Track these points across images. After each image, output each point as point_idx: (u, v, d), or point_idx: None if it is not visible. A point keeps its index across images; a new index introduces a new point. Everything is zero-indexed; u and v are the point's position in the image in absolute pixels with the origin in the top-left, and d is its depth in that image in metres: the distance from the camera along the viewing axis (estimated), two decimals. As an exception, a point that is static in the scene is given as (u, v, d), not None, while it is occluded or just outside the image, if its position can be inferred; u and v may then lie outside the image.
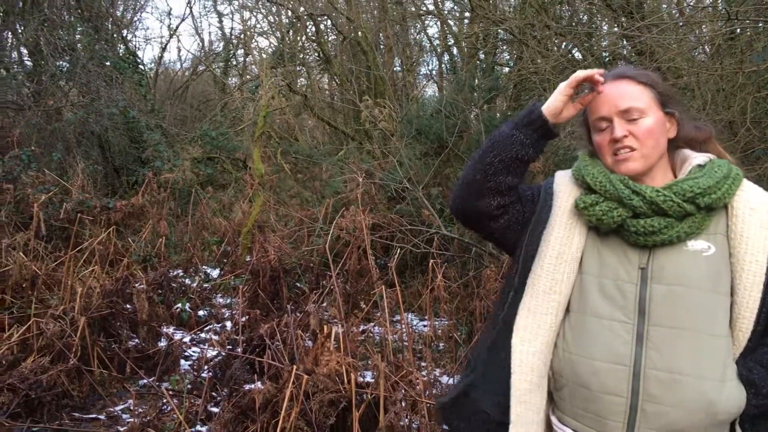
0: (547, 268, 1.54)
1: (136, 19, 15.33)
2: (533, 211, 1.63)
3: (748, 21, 4.76)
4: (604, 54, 7.19)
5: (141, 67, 13.05)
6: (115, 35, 12.64)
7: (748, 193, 1.48)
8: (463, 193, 1.61)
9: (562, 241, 1.55)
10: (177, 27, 20.66)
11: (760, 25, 4.89)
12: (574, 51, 7.71)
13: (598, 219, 1.49)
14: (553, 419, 1.58)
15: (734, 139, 4.45)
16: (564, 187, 1.61)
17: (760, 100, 4.55)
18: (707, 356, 1.40)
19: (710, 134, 1.60)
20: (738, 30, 5.13)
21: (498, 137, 1.58)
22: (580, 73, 1.53)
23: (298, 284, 6.38)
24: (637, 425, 1.42)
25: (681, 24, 5.25)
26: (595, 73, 1.52)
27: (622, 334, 1.44)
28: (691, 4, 6.76)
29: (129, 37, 14.39)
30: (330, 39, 12.89)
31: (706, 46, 5.68)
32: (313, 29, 12.02)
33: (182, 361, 5.04)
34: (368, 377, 4.07)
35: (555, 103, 1.56)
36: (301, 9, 11.85)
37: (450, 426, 1.69)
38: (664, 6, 7.13)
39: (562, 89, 1.55)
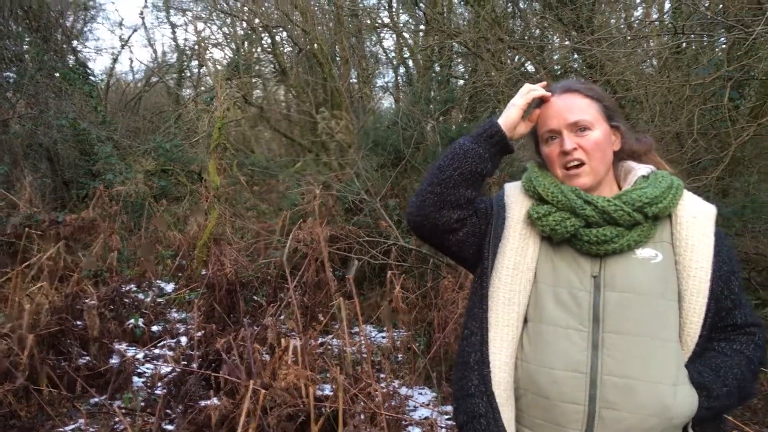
0: (504, 279, 1.55)
1: (86, 29, 15.01)
2: (488, 224, 1.64)
3: (693, 35, 4.92)
4: (555, 67, 7.34)
5: (92, 78, 12.77)
6: (64, 46, 12.36)
7: (690, 203, 1.53)
8: (421, 206, 1.60)
9: (517, 251, 1.56)
10: (129, 38, 20.27)
11: (705, 39, 5.06)
12: (527, 64, 7.86)
13: (551, 229, 1.51)
14: (517, 427, 1.57)
15: (681, 150, 4.59)
16: (515, 199, 1.63)
17: (706, 112, 4.71)
18: (660, 361, 1.43)
19: (650, 146, 1.66)
20: (684, 44, 5.30)
21: (458, 150, 1.58)
22: (534, 92, 1.56)
23: (255, 297, 6.30)
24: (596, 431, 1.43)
25: (629, 38, 5.40)
26: (544, 89, 1.56)
27: (578, 341, 1.46)
28: (639, 18, 6.96)
29: (79, 47, 14.07)
30: (286, 51, 12.86)
31: (653, 60, 5.85)
32: (269, 41, 11.98)
33: (135, 378, 4.91)
34: (327, 390, 4.04)
35: (512, 117, 1.58)
36: (256, 21, 11.80)
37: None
38: (614, 21, 7.32)
39: (517, 103, 1.58)
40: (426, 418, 4.08)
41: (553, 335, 1.48)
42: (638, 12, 7.92)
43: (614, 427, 1.41)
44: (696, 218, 1.51)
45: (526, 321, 1.56)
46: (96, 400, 4.53)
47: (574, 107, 1.53)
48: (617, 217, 1.46)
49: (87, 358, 4.92)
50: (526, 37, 7.66)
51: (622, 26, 6.80)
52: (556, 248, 1.55)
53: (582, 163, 1.52)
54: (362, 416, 3.46)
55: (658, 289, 1.45)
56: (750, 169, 5.61)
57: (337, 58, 11.90)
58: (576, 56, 6.69)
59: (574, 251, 1.52)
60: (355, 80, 12.15)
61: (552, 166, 1.57)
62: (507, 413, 1.53)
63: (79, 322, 5.11)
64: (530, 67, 7.82)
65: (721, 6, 4.45)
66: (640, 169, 1.58)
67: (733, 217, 4.90)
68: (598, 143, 1.52)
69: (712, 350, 1.52)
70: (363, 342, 4.66)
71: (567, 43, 6.82)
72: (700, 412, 1.46)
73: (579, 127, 1.52)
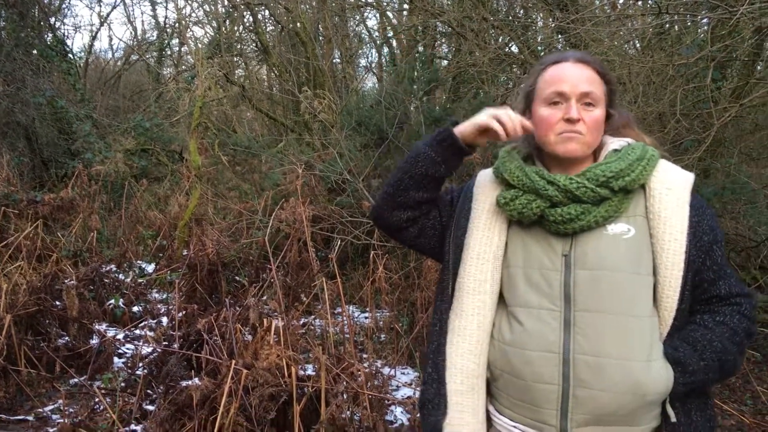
0: (469, 270, 1.57)
1: (64, 5, 14.70)
2: (451, 216, 1.66)
3: (677, 16, 4.92)
4: (539, 47, 7.32)
5: (70, 55, 12.57)
6: (42, 22, 12.11)
7: (664, 173, 1.51)
8: (377, 206, 1.68)
9: (482, 241, 1.57)
10: (108, 15, 19.94)
11: (689, 19, 5.06)
12: (510, 44, 7.83)
13: (519, 212, 1.51)
14: (491, 409, 1.60)
15: (664, 130, 4.60)
16: (483, 188, 1.64)
17: (689, 93, 4.72)
18: (633, 337, 1.42)
19: (628, 119, 1.64)
20: (668, 24, 5.30)
21: (412, 154, 1.62)
22: (495, 124, 1.52)
23: (237, 278, 6.27)
24: (570, 411, 1.43)
25: (613, 18, 5.38)
26: (506, 125, 1.51)
27: (550, 321, 1.46)
28: (623, -1, 6.93)
29: (57, 24, 13.80)
30: (268, 29, 12.69)
31: (637, 40, 5.84)
32: (251, 19, 11.80)
33: (115, 359, 4.88)
34: (309, 370, 4.03)
35: (466, 130, 1.58)
36: (238, -2, 11.61)
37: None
38: (597, 0, 7.30)
39: (477, 123, 1.55)
40: (408, 397, 4.09)
41: (526, 316, 1.49)
42: (622, -8, 7.89)
43: (588, 405, 1.42)
44: (670, 189, 1.48)
45: (505, 306, 1.57)
46: (75, 380, 4.50)
47: (589, 79, 1.51)
48: (580, 194, 1.45)
49: (66, 338, 4.87)
50: (510, 17, 7.62)
51: (606, 6, 6.77)
52: (527, 230, 1.55)
53: (580, 134, 1.50)
54: (345, 396, 3.46)
55: (631, 265, 1.44)
56: (731, 150, 5.65)
57: (320, 38, 11.77)
58: (560, 36, 6.67)
59: (545, 232, 1.52)
60: (338, 60, 12.04)
61: (546, 128, 1.52)
62: (471, 399, 1.56)
63: (58, 303, 5.06)
64: (514, 48, 7.79)
65: (705, -14, 4.44)
66: (613, 143, 1.56)
67: (713, 198, 4.94)
68: (598, 122, 1.51)
69: (693, 323, 1.51)
70: (346, 322, 4.66)
71: (551, 22, 6.79)
72: (676, 388, 1.44)
73: (587, 101, 1.50)
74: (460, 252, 1.60)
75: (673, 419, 1.46)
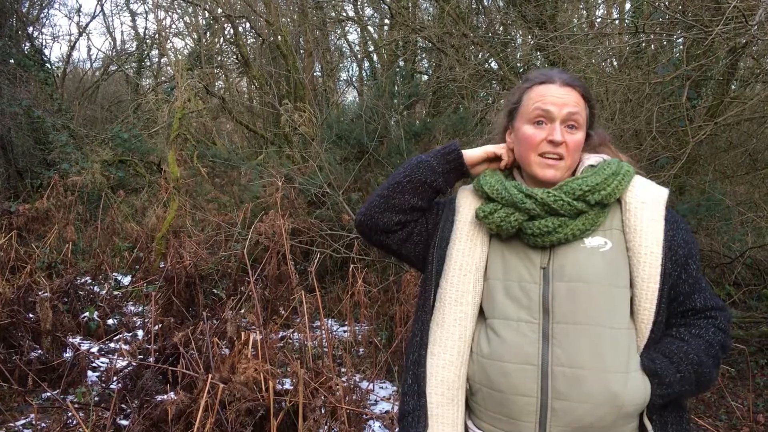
0: (451, 280, 1.57)
1: (42, 15, 14.60)
2: (436, 226, 1.68)
3: (653, 35, 5.00)
4: (518, 64, 7.40)
5: (48, 65, 12.45)
6: (19, 32, 12.00)
7: (639, 188, 1.54)
8: (368, 208, 1.69)
9: (464, 252, 1.58)
10: (87, 25, 19.86)
11: (665, 38, 5.15)
12: (490, 60, 7.90)
13: (497, 226, 1.53)
14: (469, 424, 1.59)
15: (640, 147, 4.66)
16: (465, 201, 1.66)
17: (665, 111, 4.79)
18: (610, 349, 1.43)
19: (604, 138, 1.67)
20: (644, 43, 5.39)
21: (413, 161, 1.66)
22: (502, 153, 1.64)
23: (215, 291, 6.21)
24: (548, 424, 1.43)
25: (591, 36, 5.46)
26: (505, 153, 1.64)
27: (528, 334, 1.46)
28: (601, 17, 7.05)
29: (35, 34, 13.68)
30: (249, 42, 12.68)
31: (614, 58, 5.93)
32: (231, 31, 11.79)
33: (89, 373, 4.79)
34: (287, 384, 4.00)
35: (474, 153, 1.65)
36: (219, 10, 11.59)
37: None
38: (576, 19, 7.41)
39: (488, 150, 1.65)
40: (387, 411, 4.07)
41: (505, 329, 1.50)
42: (600, 11, 8.03)
43: (566, 417, 1.42)
44: (645, 203, 1.51)
45: (484, 318, 1.57)
46: (48, 394, 4.41)
47: (575, 102, 1.54)
48: (557, 208, 1.47)
49: (39, 351, 4.78)
50: (489, 34, 7.70)
51: (584, 24, 6.88)
52: (506, 244, 1.57)
53: (561, 158, 1.53)
54: (323, 410, 3.43)
55: (608, 278, 1.46)
56: (706, 167, 5.74)
57: (301, 51, 11.79)
58: (538, 53, 6.75)
59: (524, 245, 1.54)
60: (319, 73, 12.05)
61: (528, 147, 1.55)
62: (451, 411, 1.55)
63: (31, 315, 4.97)
64: (494, 64, 7.87)
65: (680, 6, 4.52)
66: (589, 159, 1.59)
67: (688, 215, 5.01)
68: (579, 144, 1.55)
69: (669, 336, 1.52)
70: (324, 336, 4.63)
71: (530, 39, 6.87)
72: (653, 400, 1.46)
73: (571, 123, 1.53)
74: (443, 263, 1.61)
75: (651, 430, 1.47)
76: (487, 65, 7.87)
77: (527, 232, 1.50)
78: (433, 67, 10.18)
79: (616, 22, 6.18)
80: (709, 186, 5.44)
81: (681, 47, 5.18)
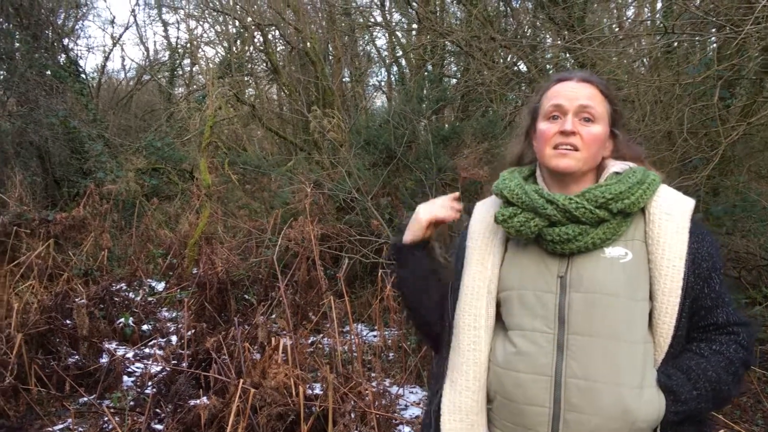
0: (464, 306, 1.57)
1: (77, 27, 14.94)
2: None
3: (684, 35, 4.93)
4: (547, 66, 7.35)
5: (83, 76, 12.73)
6: (55, 43, 12.29)
7: (664, 198, 1.49)
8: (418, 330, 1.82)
9: (475, 277, 1.57)
10: (120, 36, 20.25)
11: (696, 39, 5.08)
12: (519, 63, 7.87)
13: (516, 230, 1.50)
14: None
15: (672, 149, 4.59)
16: (477, 215, 1.66)
17: (696, 111, 4.72)
18: (625, 363, 1.40)
19: (640, 155, 1.61)
20: (675, 44, 5.32)
21: (396, 283, 1.75)
22: (433, 216, 1.64)
23: (246, 296, 6.28)
24: None
25: (621, 37, 5.41)
26: (447, 210, 1.64)
27: (543, 344, 1.44)
28: (631, 18, 6.97)
29: (70, 45, 13.99)
30: (278, 49, 12.82)
31: (644, 59, 5.86)
32: (261, 39, 11.93)
33: (125, 378, 4.89)
34: (317, 389, 4.03)
35: (416, 233, 1.67)
36: (249, 19, 11.75)
37: None
38: (605, 20, 7.33)
39: (422, 221, 1.65)
40: (417, 416, 4.07)
41: (520, 338, 1.48)
42: (630, 11, 7.94)
43: (578, 429, 1.40)
44: (669, 215, 1.46)
45: (503, 328, 1.56)
46: (85, 399, 4.51)
47: (588, 95, 1.52)
48: (579, 215, 1.44)
49: (76, 357, 4.89)
50: (518, 36, 7.67)
51: (614, 25, 6.81)
52: (524, 250, 1.54)
53: (576, 149, 1.49)
54: (352, 415, 3.45)
55: (626, 290, 1.42)
56: (740, 167, 5.63)
57: (330, 57, 11.88)
58: (567, 55, 6.70)
59: (542, 252, 1.51)
60: (347, 79, 12.13)
61: (543, 143, 1.53)
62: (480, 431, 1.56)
63: (68, 321, 5.08)
64: (522, 67, 7.83)
65: (711, 5, 4.45)
66: (615, 166, 1.54)
67: (723, 216, 4.91)
68: (596, 137, 1.50)
69: (689, 351, 1.47)
70: (354, 341, 4.66)
71: (559, 42, 6.83)
72: (667, 416, 1.41)
73: (585, 116, 1.50)
74: (457, 293, 1.61)
75: None
76: (515, 68, 7.84)
77: (547, 239, 1.47)
78: (462, 71, 10.17)
79: (647, 22, 6.10)
80: (744, 186, 5.33)
81: (712, 47, 5.09)
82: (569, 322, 1.43)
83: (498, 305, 1.57)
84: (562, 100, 1.52)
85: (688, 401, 1.42)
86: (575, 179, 1.53)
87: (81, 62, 19.09)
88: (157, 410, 4.16)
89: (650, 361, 1.44)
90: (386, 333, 5.43)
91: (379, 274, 5.13)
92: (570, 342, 1.42)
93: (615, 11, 7.74)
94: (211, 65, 14.15)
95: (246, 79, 13.41)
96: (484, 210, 1.66)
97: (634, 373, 1.40)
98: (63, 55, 12.37)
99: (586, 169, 1.52)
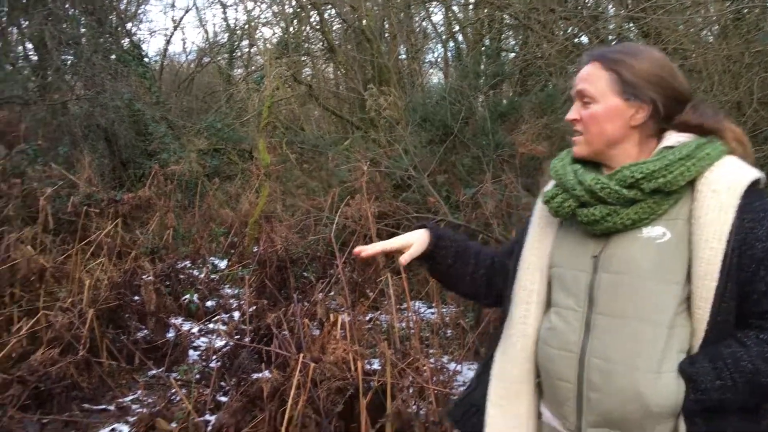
0: (519, 280, 1.61)
1: (139, 11, 15.28)
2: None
3: (754, 1, 4.69)
4: (609, 37, 7.12)
5: (146, 59, 13.04)
6: (119, 28, 12.63)
7: (717, 173, 1.37)
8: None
9: (532, 252, 1.61)
10: (181, 19, 20.67)
11: (767, 5, 4.83)
12: (579, 35, 7.65)
13: (555, 210, 1.51)
14: (541, 405, 1.62)
15: (742, 119, 4.40)
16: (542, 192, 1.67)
17: (767, 81, 4.50)
18: (645, 347, 1.35)
19: (711, 122, 1.46)
20: (745, 10, 5.07)
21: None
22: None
23: (305, 274, 6.38)
24: (584, 411, 1.43)
25: (687, 5, 5.18)
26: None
27: (572, 322, 1.46)
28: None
29: (133, 29, 14.37)
30: (334, 28, 12.82)
31: (712, 27, 5.61)
32: (317, 18, 11.96)
33: (191, 352, 5.06)
34: (375, 365, 4.07)
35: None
36: (305, -2, 11.78)
37: (459, 427, 1.76)
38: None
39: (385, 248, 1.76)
40: (475, 393, 4.07)
41: (555, 315, 1.51)
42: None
43: (598, 408, 1.40)
44: (715, 191, 1.35)
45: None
46: (153, 372, 4.69)
47: (584, 77, 1.50)
48: (604, 196, 1.40)
49: (145, 331, 5.08)
50: (578, 7, 7.45)
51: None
52: (570, 230, 1.55)
53: (581, 134, 1.50)
54: (410, 390, 3.48)
55: (657, 271, 1.36)
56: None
57: (386, 34, 11.81)
58: (631, 25, 6.47)
59: (585, 232, 1.50)
60: (403, 56, 12.05)
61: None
62: (514, 405, 1.60)
63: (136, 297, 5.28)
64: (584, 38, 7.61)
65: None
66: (669, 139, 1.45)
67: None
68: (593, 117, 1.47)
69: (732, 338, 1.34)
70: (411, 317, 4.68)
71: (621, 12, 6.60)
72: (687, 404, 1.34)
73: (584, 100, 1.49)
74: (517, 264, 1.64)
75: None
76: (576, 40, 7.62)
77: (579, 220, 1.46)
78: (520, 45, 9.96)
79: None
80: (820, 159, 5.07)
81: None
82: (597, 302, 1.43)
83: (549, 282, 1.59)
84: (572, 91, 1.53)
85: (708, 391, 1.32)
86: (608, 158, 1.50)
87: (144, 46, 19.64)
88: (222, 383, 4.30)
89: (677, 346, 1.36)
90: (444, 310, 5.43)
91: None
92: (596, 322, 1.42)
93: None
94: (268, 46, 14.28)
95: (303, 58, 13.48)
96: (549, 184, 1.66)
97: (652, 357, 1.35)
98: (127, 39, 12.71)
99: (596, 149, 1.50)
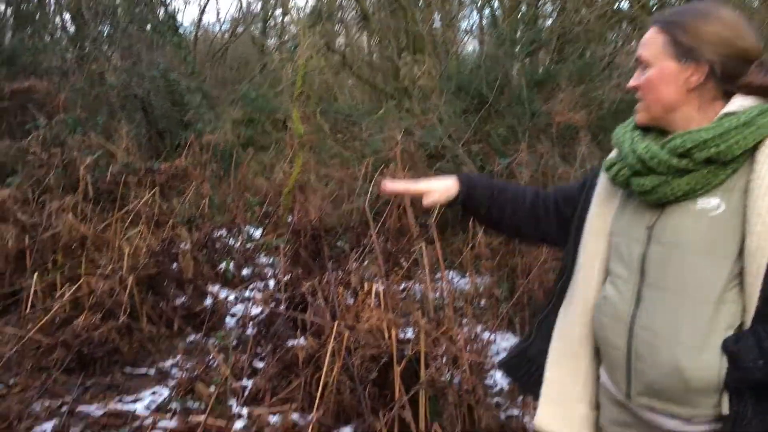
0: (584, 245, 1.61)
1: (174, -19, 15.31)
2: (580, 198, 1.69)
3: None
4: (652, 2, 6.92)
5: (180, 29, 13.08)
6: (153, -1, 12.66)
7: None
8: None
9: (596, 217, 1.60)
10: (215, -12, 20.56)
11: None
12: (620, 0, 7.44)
13: (613, 178, 1.50)
14: (601, 369, 1.63)
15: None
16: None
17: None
18: (689, 321, 1.32)
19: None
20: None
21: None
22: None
23: (339, 243, 6.42)
24: (632, 379, 1.44)
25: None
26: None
27: (624, 291, 1.46)
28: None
29: (168, 0, 14.40)
30: (368, -5, 12.67)
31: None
32: (351, -14, 11.83)
33: (228, 318, 5.16)
34: (409, 333, 4.10)
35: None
36: (338, -35, 11.66)
37: (513, 378, 1.86)
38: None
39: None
40: (508, 362, 4.08)
41: (609, 284, 1.52)
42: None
43: (642, 378, 1.41)
44: None
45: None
46: (192, 337, 4.79)
47: (643, 42, 1.47)
48: (653, 165, 1.36)
49: (183, 298, 5.18)
50: (619, -29, 7.22)
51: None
52: (630, 199, 1.51)
53: (641, 101, 1.47)
54: (444, 359, 3.50)
55: (708, 245, 1.32)
56: None
57: (420, 2, 11.64)
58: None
59: (641, 201, 1.46)
60: (438, 24, 11.87)
61: None
62: (571, 362, 1.64)
63: (174, 265, 5.37)
64: (624, 3, 7.41)
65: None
66: (733, 104, 1.35)
67: None
68: (649, 81, 1.43)
69: None
70: (445, 287, 4.68)
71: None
72: (728, 381, 1.30)
73: (642, 65, 1.46)
74: (581, 228, 1.63)
75: (725, 412, 1.31)
76: (616, 6, 7.41)
77: (633, 189, 1.44)
78: (558, 11, 9.72)
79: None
80: None
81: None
82: (647, 274, 1.41)
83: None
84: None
85: (750, 370, 1.26)
86: (669, 124, 1.44)
87: (178, 16, 19.70)
88: (258, 349, 4.37)
89: (725, 322, 1.32)
90: (478, 280, 5.42)
91: (471, 220, 5.09)
92: (645, 293, 1.41)
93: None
94: (302, 15, 14.21)
95: (336, 27, 13.38)
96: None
97: (695, 332, 1.32)
98: (162, 9, 12.74)
99: (655, 115, 1.45)
